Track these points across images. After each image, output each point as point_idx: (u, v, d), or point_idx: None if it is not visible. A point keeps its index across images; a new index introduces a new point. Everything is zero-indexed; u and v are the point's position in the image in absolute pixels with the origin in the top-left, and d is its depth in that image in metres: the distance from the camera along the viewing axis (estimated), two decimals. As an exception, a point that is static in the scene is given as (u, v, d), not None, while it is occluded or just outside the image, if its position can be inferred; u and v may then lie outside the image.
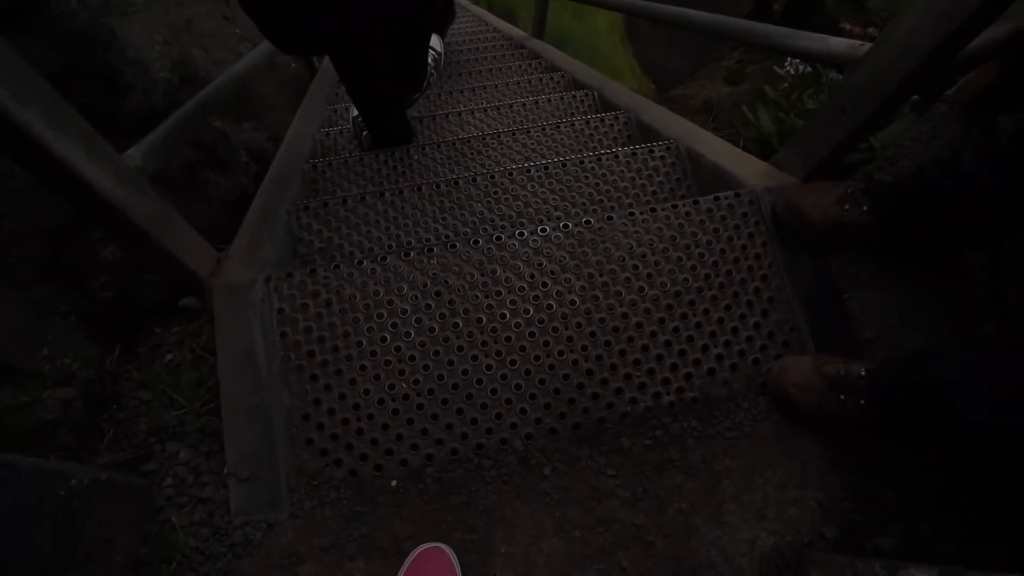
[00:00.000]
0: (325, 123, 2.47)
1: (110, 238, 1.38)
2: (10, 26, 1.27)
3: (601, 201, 1.63)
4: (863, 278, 1.28)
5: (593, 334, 1.22)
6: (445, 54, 2.55)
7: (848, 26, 1.80)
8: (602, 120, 1.98)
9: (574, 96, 2.30)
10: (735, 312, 1.26)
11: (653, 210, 1.32)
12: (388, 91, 1.80)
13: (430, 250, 1.27)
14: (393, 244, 1.56)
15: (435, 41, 2.41)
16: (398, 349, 1.20)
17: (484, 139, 1.94)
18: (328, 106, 2.58)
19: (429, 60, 2.21)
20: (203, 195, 1.73)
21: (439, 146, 1.92)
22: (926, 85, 1.18)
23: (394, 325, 1.22)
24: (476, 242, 1.28)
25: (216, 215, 1.75)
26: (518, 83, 2.61)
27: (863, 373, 1.05)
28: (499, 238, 1.28)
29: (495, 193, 1.62)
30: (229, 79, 1.77)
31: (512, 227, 1.60)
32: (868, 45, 1.12)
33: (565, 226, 1.30)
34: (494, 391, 1.18)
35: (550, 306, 1.24)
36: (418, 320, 1.22)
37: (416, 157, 1.90)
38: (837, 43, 1.20)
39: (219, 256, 1.34)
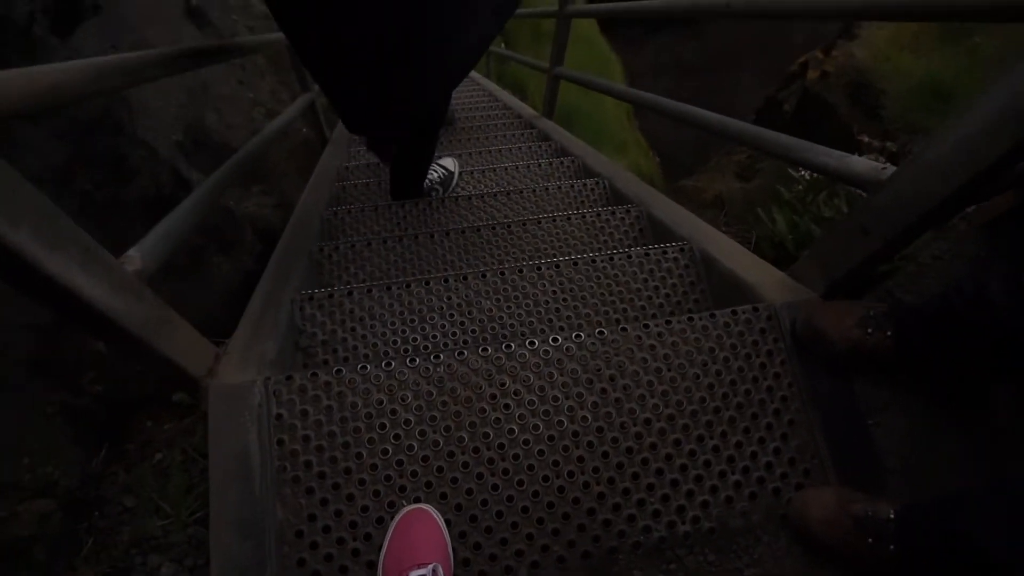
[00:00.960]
0: (334, 201, 2.46)
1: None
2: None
3: (613, 302, 1.59)
4: (886, 402, 1.23)
5: (605, 454, 1.17)
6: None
7: (866, 139, 1.81)
8: (613, 213, 1.96)
9: (584, 184, 2.30)
10: (754, 436, 1.20)
11: (668, 322, 1.28)
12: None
13: (437, 356, 1.22)
14: (398, 340, 1.52)
15: (449, 162, 2.50)
16: (400, 463, 1.14)
17: (494, 228, 1.92)
18: (338, 182, 2.58)
19: (437, 176, 2.38)
20: (206, 282, 1.70)
21: (448, 234, 1.90)
22: (953, 212, 1.16)
23: (396, 437, 1.16)
24: (485, 350, 1.23)
25: (218, 301, 1.72)
26: (528, 166, 2.62)
27: (892, 516, 0.99)
28: (509, 347, 1.24)
29: (504, 290, 1.58)
30: (241, 159, 1.75)
31: (521, 327, 1.56)
32: (891, 168, 1.10)
33: (577, 336, 1.25)
34: (499, 514, 1.12)
35: (561, 422, 1.18)
36: (422, 433, 1.16)
37: (425, 245, 1.88)
38: (859, 163, 1.18)
39: (217, 352, 1.28)
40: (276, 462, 1.13)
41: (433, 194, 2.33)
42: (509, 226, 1.93)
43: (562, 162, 2.65)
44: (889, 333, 1.14)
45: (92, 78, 0.98)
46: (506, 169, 2.61)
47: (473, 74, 6.40)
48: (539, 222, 1.94)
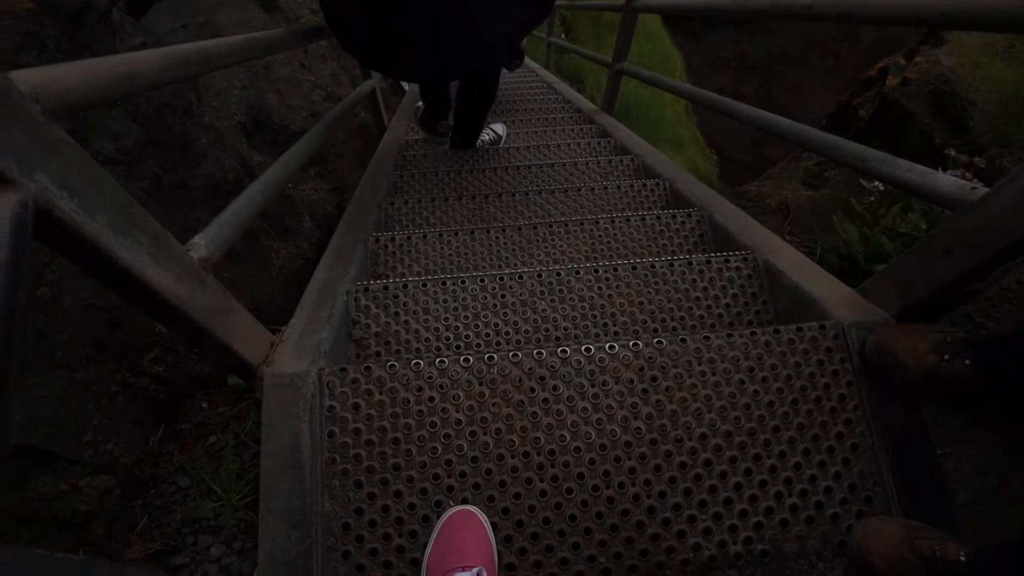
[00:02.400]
0: (391, 190, 2.47)
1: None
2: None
3: (671, 310, 1.55)
4: (959, 432, 1.17)
5: (658, 468, 1.14)
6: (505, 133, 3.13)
7: (953, 153, 1.71)
8: (673, 217, 1.92)
9: (644, 185, 2.25)
10: (814, 458, 1.16)
11: (730, 336, 1.24)
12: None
13: (491, 357, 1.21)
14: (451, 336, 1.51)
15: (499, 127, 3.04)
16: (448, 463, 1.14)
17: (551, 226, 1.89)
18: (395, 171, 2.58)
19: (488, 138, 2.94)
20: (264, 266, 1.72)
21: (504, 230, 1.89)
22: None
23: (447, 436, 1.15)
24: (540, 353, 1.21)
25: (276, 286, 1.74)
26: (587, 163, 2.58)
27: (962, 558, 0.94)
28: (564, 351, 1.22)
29: (560, 292, 1.56)
30: (303, 147, 1.76)
31: (575, 329, 1.53)
32: (982, 189, 1.04)
33: (635, 345, 1.22)
34: (546, 520, 1.10)
35: (614, 432, 1.16)
36: (472, 434, 1.15)
37: (481, 240, 1.87)
38: (945, 181, 1.12)
39: (273, 339, 1.30)
40: (326, 454, 1.14)
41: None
42: (566, 224, 1.90)
43: (621, 160, 2.60)
44: (968, 362, 1.07)
45: (168, 66, 0.99)
46: (564, 165, 2.58)
47: (532, 64, 6.36)
48: (597, 222, 1.90)
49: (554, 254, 1.87)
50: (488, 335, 1.52)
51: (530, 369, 1.20)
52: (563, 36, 9.17)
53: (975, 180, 1.12)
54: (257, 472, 1.13)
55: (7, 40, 1.09)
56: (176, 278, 0.90)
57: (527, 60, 6.64)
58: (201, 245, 1.05)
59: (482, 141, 2.87)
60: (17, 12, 1.12)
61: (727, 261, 1.59)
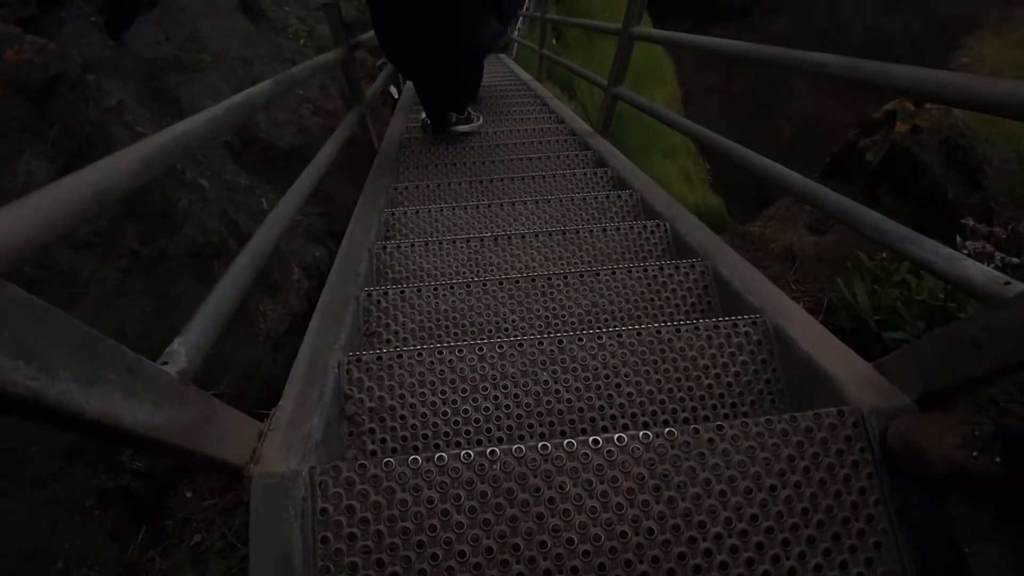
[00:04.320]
0: (383, 229, 2.40)
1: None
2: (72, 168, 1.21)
3: (678, 380, 1.49)
4: (987, 528, 1.11)
5: (671, 572, 1.07)
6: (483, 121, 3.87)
7: (972, 223, 1.65)
8: (676, 268, 1.85)
9: (644, 227, 2.19)
10: (835, 558, 1.09)
11: (744, 424, 1.17)
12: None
13: (493, 452, 1.14)
14: (448, 412, 1.44)
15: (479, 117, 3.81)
16: (450, 570, 1.07)
17: (550, 279, 1.83)
18: (387, 209, 2.51)
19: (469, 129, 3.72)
20: (251, 332, 1.65)
21: (502, 283, 1.82)
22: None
23: (447, 542, 1.08)
24: (545, 447, 1.14)
25: (264, 351, 1.66)
26: (584, 199, 2.51)
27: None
28: (571, 444, 1.15)
29: (562, 361, 1.49)
30: (291, 202, 1.69)
31: (579, 402, 1.46)
32: (1017, 285, 0.98)
33: (645, 436, 1.16)
34: (554, 633, 1.04)
35: (624, 534, 1.09)
36: (474, 538, 1.09)
37: (477, 294, 1.80)
38: (975, 272, 1.06)
39: (261, 428, 1.22)
40: (319, 562, 1.07)
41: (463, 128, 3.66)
42: (565, 277, 1.83)
43: (620, 195, 2.53)
44: (998, 459, 1.02)
45: (142, 168, 0.92)
46: (561, 200, 2.51)
47: (524, 76, 6.30)
48: (597, 274, 1.84)
49: (554, 308, 1.80)
50: (487, 409, 1.45)
51: (534, 464, 1.14)
52: (555, 41, 9.09)
53: (1001, 254, 1.07)
54: (245, 576, 1.06)
55: (-33, 131, 1.01)
56: (153, 406, 0.83)
57: (520, 73, 6.59)
58: (180, 354, 0.97)
59: (463, 127, 3.68)
60: (-20, 96, 1.05)
61: (735, 326, 1.53)
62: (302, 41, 5.36)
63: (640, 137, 7.36)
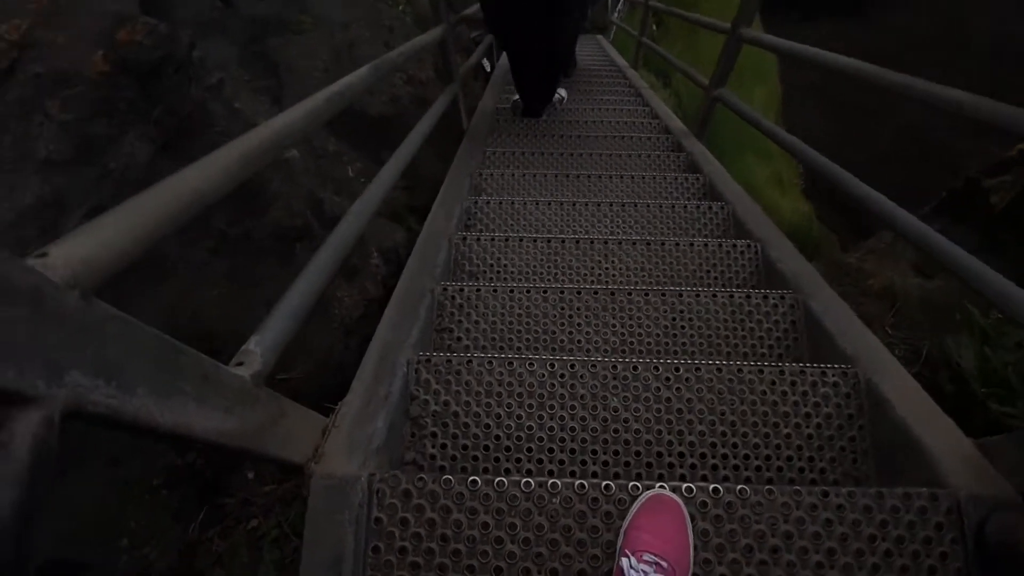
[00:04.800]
0: (464, 216, 2.37)
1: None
2: (171, 147, 1.23)
3: (755, 424, 1.40)
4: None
5: (727, 640, 1.02)
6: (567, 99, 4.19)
7: None
8: (765, 298, 1.76)
9: (734, 246, 2.08)
10: (908, 655, 1.02)
11: (825, 493, 1.09)
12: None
13: (554, 485, 1.10)
14: (512, 425, 1.41)
15: (563, 91, 4.12)
16: (496, 601, 1.04)
17: (630, 294, 1.76)
18: (470, 196, 2.48)
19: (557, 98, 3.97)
20: (327, 320, 1.65)
21: (579, 293, 1.77)
22: None
23: (497, 570, 1.06)
24: (608, 487, 1.10)
25: (336, 336, 1.67)
26: (672, 206, 2.42)
27: None
28: (636, 487, 1.10)
29: (635, 388, 1.43)
30: (376, 193, 1.68)
31: (647, 433, 1.40)
32: None
33: (715, 491, 1.10)
34: None
35: (680, 591, 1.04)
36: (525, 571, 1.06)
37: (553, 301, 1.75)
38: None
39: (325, 424, 1.22)
40: (369, 571, 1.07)
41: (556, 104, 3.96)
42: (646, 294, 1.76)
43: (711, 207, 2.42)
44: None
45: (240, 167, 0.91)
46: (648, 206, 2.42)
47: (620, 62, 6.15)
48: (680, 294, 1.76)
49: (630, 325, 1.74)
50: (552, 428, 1.41)
51: (595, 502, 1.09)
52: (655, 27, 8.81)
53: None
54: (296, 573, 1.06)
55: (77, 108, 1.02)
56: (224, 412, 0.82)
57: (615, 58, 6.43)
58: (256, 355, 0.97)
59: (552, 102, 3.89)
60: (92, 76, 1.06)
61: (824, 375, 1.43)
62: (401, 8, 5.37)
63: (735, 135, 7.07)
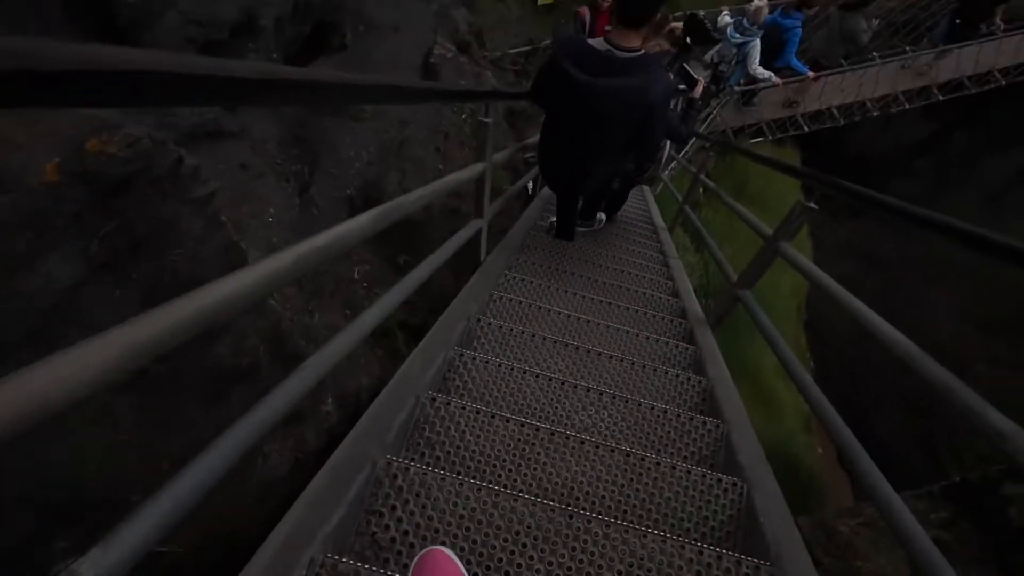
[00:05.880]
0: (444, 369, 2.21)
1: None
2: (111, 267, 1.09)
3: None
4: None
5: None
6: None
7: None
8: (739, 564, 1.54)
9: (719, 480, 1.88)
10: None
11: None
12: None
13: None
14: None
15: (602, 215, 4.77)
16: None
17: (607, 527, 1.56)
18: (457, 349, 2.32)
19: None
20: (240, 474, 1.46)
21: (549, 511, 1.56)
22: None
23: None
24: None
25: (246, 501, 1.46)
26: (665, 412, 2.24)
27: None
28: None
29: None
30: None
31: None
32: None
33: None
34: None
35: None
36: None
37: (506, 508, 1.55)
38: None
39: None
40: None
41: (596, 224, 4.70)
42: (626, 530, 1.56)
43: (705, 423, 2.23)
44: None
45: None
46: (639, 405, 2.25)
47: (658, 221, 6.14)
48: (645, 535, 1.56)
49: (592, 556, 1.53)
50: None
51: None
52: (702, 192, 8.92)
53: None
54: None
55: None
56: None
57: (654, 215, 6.44)
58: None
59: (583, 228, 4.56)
60: (35, 185, 0.94)
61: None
62: (464, 116, 5.47)
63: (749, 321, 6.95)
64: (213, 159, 2.16)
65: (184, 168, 1.23)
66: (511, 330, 2.63)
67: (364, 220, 1.35)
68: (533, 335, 2.63)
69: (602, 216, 4.75)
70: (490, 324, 2.64)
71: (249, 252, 1.50)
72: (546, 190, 5.85)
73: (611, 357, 2.61)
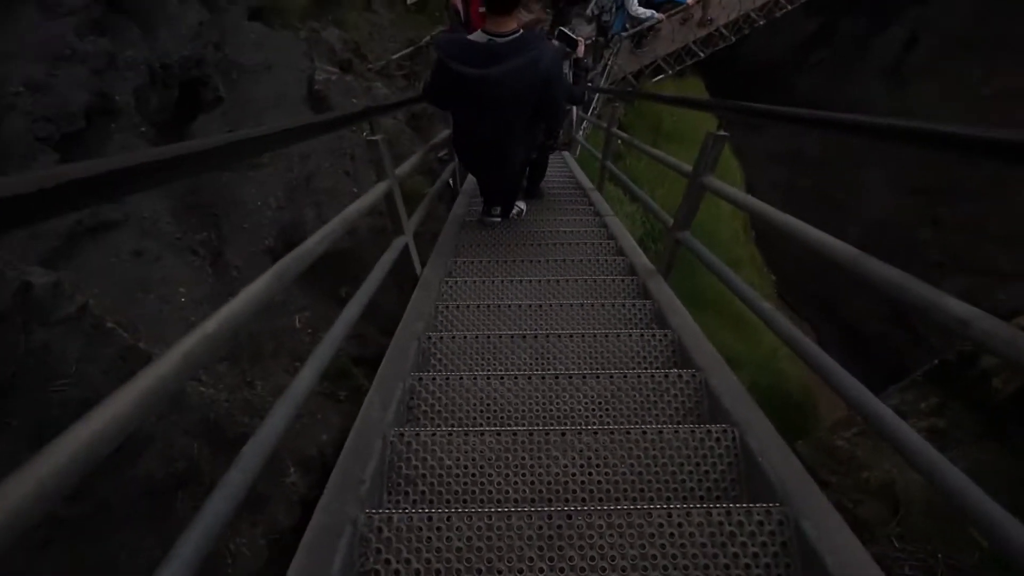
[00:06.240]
0: (406, 400, 2.11)
1: None
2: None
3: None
4: None
5: None
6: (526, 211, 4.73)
7: None
8: (748, 513, 1.50)
9: (709, 432, 1.84)
10: None
11: None
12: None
13: None
14: None
15: (522, 203, 4.74)
16: None
17: (604, 520, 1.50)
18: (414, 374, 2.23)
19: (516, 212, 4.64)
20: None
21: (537, 527, 1.50)
22: None
23: None
24: None
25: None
26: (639, 376, 2.19)
27: None
28: None
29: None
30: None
31: None
32: None
33: None
34: None
35: None
36: None
37: (498, 530, 1.48)
38: None
39: None
40: None
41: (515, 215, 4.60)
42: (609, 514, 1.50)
43: (680, 376, 2.19)
44: None
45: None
46: (611, 376, 2.20)
47: (586, 184, 6.10)
48: (649, 514, 1.50)
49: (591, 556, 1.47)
50: None
51: None
52: (620, 143, 8.91)
53: None
54: None
55: None
56: None
57: (580, 179, 6.40)
58: None
59: (514, 214, 4.61)
60: None
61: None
62: (365, 134, 5.31)
63: (703, 247, 7.01)
64: (101, 254, 2.01)
65: (37, 290, 1.11)
66: (464, 338, 2.54)
67: (261, 285, 1.25)
68: (488, 336, 2.55)
69: (521, 205, 4.73)
70: (442, 338, 2.54)
71: (159, 347, 1.38)
72: (467, 183, 5.84)
73: (571, 336, 2.55)
